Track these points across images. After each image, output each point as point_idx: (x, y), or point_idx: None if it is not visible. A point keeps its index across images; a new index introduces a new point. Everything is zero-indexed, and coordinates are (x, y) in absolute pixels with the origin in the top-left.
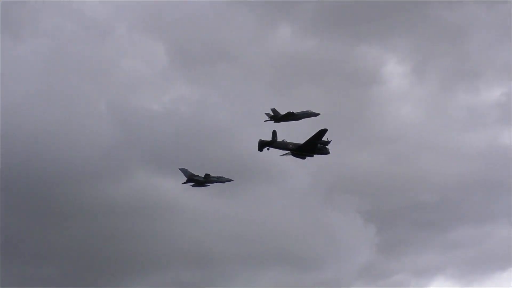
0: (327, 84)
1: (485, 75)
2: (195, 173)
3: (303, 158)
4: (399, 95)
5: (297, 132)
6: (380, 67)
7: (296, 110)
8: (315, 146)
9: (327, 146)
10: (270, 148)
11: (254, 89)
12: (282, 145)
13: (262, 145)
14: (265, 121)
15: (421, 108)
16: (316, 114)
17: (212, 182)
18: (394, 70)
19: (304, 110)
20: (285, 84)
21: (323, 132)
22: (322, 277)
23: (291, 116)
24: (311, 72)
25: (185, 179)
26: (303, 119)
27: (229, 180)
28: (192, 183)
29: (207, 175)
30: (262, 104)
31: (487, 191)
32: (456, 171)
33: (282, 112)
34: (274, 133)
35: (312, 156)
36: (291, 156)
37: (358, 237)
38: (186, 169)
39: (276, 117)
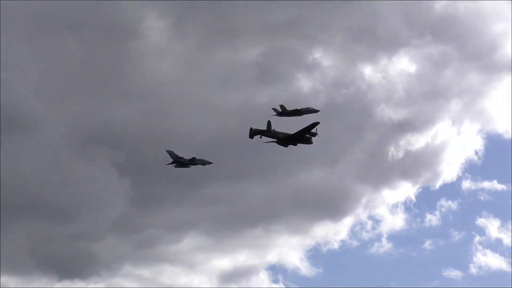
0: (85, 37)
1: (243, 34)
2: (180, 155)
3: (286, 146)
4: (157, 50)
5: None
6: (140, 22)
7: (298, 107)
8: (304, 136)
9: (313, 137)
10: (258, 136)
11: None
12: (273, 134)
13: (255, 133)
14: (272, 115)
15: (179, 64)
16: (316, 111)
17: (195, 164)
18: (154, 25)
19: (307, 107)
20: (43, 36)
21: (315, 124)
22: (76, 229)
23: (296, 112)
24: (68, 24)
25: (170, 160)
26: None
27: (210, 163)
28: (175, 164)
29: (193, 158)
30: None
31: (241, 149)
32: (212, 128)
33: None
34: (269, 123)
35: (295, 145)
36: (274, 144)
37: (112, 190)
38: (172, 151)
39: (283, 112)
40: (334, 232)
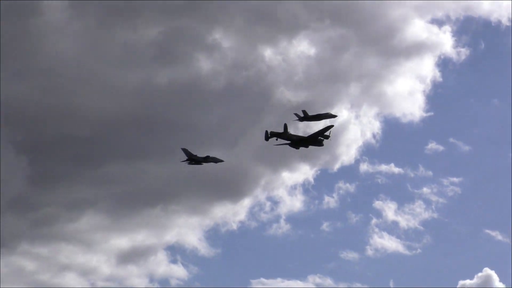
0: None
1: (143, 13)
2: (194, 153)
3: (298, 148)
4: (57, 28)
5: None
6: None
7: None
8: (317, 138)
9: (324, 140)
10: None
11: None
12: (288, 137)
13: (271, 135)
14: (294, 120)
15: (79, 43)
16: (334, 116)
17: (208, 162)
18: (53, 3)
19: (326, 112)
20: None
21: (330, 127)
22: None
23: (317, 117)
24: None
25: (185, 157)
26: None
27: (221, 161)
28: (189, 162)
29: (207, 157)
30: None
31: (141, 129)
32: (110, 107)
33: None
34: (286, 127)
35: (307, 147)
36: (287, 146)
37: (9, 168)
38: (187, 149)
39: (305, 117)
40: (233, 213)
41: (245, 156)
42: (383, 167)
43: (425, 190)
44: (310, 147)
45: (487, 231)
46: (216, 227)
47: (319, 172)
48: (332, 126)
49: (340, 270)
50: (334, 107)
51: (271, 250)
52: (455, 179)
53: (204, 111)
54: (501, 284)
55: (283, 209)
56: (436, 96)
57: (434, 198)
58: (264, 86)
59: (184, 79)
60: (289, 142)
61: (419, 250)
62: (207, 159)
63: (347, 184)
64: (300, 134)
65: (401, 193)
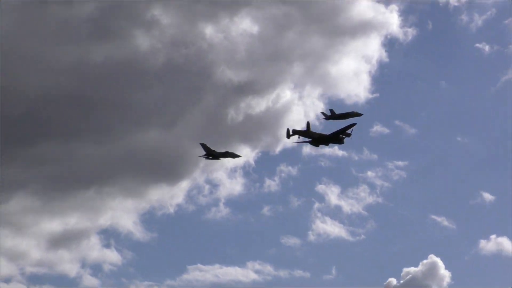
0: None
1: None
2: (212, 148)
3: (317, 146)
4: None
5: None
6: None
7: (346, 111)
8: (338, 136)
9: (344, 136)
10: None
11: None
12: (310, 135)
13: (293, 133)
14: (321, 119)
15: (12, 18)
16: (360, 114)
17: (226, 157)
18: None
19: (352, 111)
20: None
21: (352, 125)
22: None
23: (344, 116)
24: None
25: (203, 152)
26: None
27: (239, 156)
28: (207, 156)
29: (226, 152)
30: None
31: (75, 108)
32: (44, 85)
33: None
34: (308, 124)
35: (327, 145)
36: (307, 144)
37: None
38: (205, 144)
39: (332, 116)
40: (170, 196)
41: (184, 137)
42: (327, 150)
43: (370, 174)
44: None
45: (433, 216)
46: (152, 211)
47: (260, 154)
48: (355, 124)
49: (281, 256)
50: (276, 87)
51: (209, 235)
52: (400, 163)
53: (142, 89)
54: (446, 272)
55: (222, 193)
56: (382, 77)
57: (378, 182)
58: (204, 64)
59: (121, 56)
60: (310, 140)
61: (362, 236)
62: (226, 155)
63: (289, 167)
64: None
65: (345, 177)
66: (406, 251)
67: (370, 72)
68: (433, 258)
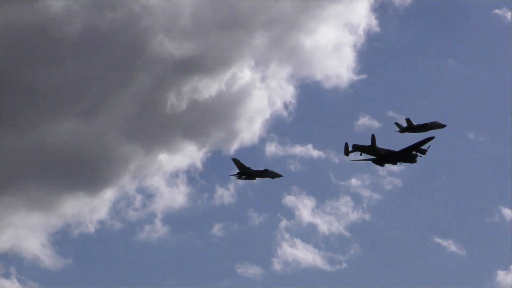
0: None
1: None
2: (247, 165)
3: (383, 165)
4: None
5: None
6: None
7: (427, 121)
8: (411, 153)
9: (419, 154)
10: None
11: None
12: (376, 151)
13: (355, 148)
14: (395, 131)
15: None
16: (443, 126)
17: (264, 177)
18: None
19: (434, 121)
20: None
21: (430, 139)
22: None
23: (424, 128)
24: None
25: (236, 170)
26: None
27: (280, 176)
28: (239, 175)
29: (265, 170)
30: None
31: None
32: None
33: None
34: (374, 138)
35: (395, 164)
36: (369, 162)
37: None
38: (238, 160)
39: (409, 127)
40: (89, 210)
41: (108, 129)
42: (298, 149)
43: (354, 181)
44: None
45: (437, 239)
46: (66, 229)
47: (210, 154)
48: (433, 137)
49: None
50: (232, 65)
51: (142, 260)
52: (394, 168)
53: (53, 66)
54: None
55: (159, 205)
56: (372, 53)
57: (365, 193)
58: (136, 33)
59: (26, 22)
60: (373, 157)
61: (344, 265)
62: (264, 174)
63: None
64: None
65: (322, 186)
66: (401, 284)
67: (355, 45)
68: None
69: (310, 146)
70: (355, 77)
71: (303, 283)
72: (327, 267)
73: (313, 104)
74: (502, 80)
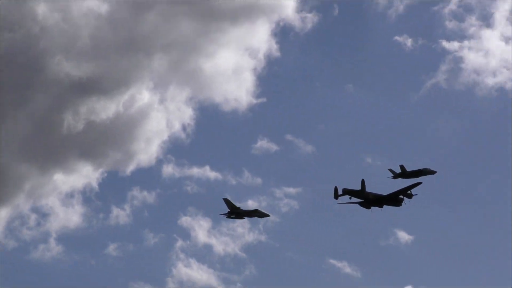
0: None
1: None
2: (237, 205)
3: (369, 208)
4: None
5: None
6: None
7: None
8: (397, 197)
9: (405, 198)
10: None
11: None
12: (365, 195)
13: (345, 192)
14: (389, 177)
15: None
16: (434, 172)
17: (252, 216)
18: None
19: (425, 167)
20: None
21: (417, 184)
22: None
23: (417, 174)
24: None
25: (226, 209)
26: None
27: (267, 215)
28: (230, 214)
29: (255, 210)
30: None
31: None
32: None
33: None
34: (363, 183)
35: (381, 207)
36: (355, 205)
37: None
38: (229, 200)
39: (403, 173)
40: None
41: (4, 149)
42: (195, 171)
43: (251, 203)
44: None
45: (332, 261)
46: None
47: (106, 175)
48: (420, 183)
49: None
50: (130, 86)
51: (36, 279)
52: (291, 190)
53: None
54: None
55: (54, 225)
56: (271, 77)
57: None
58: (34, 53)
59: None
60: (361, 201)
61: (238, 285)
62: (253, 213)
63: (145, 193)
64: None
65: (218, 207)
66: None
67: (255, 69)
68: None
69: (207, 167)
70: (254, 101)
71: None
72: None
73: (211, 127)
74: (401, 104)
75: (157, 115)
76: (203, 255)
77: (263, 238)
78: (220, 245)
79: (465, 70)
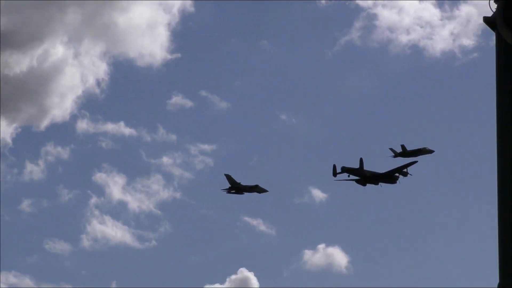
0: None
1: None
2: (237, 181)
3: (365, 185)
4: None
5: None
6: None
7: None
8: (393, 175)
9: (400, 176)
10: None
11: None
12: (362, 173)
13: (343, 170)
14: (389, 156)
15: None
16: (432, 151)
17: (252, 191)
18: None
19: (424, 147)
20: None
21: (412, 163)
22: None
23: (416, 153)
24: None
25: (227, 185)
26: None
27: (266, 191)
28: (230, 189)
29: (256, 186)
30: None
31: None
32: None
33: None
34: (362, 161)
35: (376, 184)
36: (351, 182)
37: None
38: (230, 175)
39: (403, 153)
40: None
41: None
42: (110, 127)
43: (166, 160)
44: (380, 183)
45: (246, 218)
46: None
47: (20, 130)
48: (416, 161)
49: (45, 266)
50: (44, 40)
51: None
52: (206, 147)
53: None
54: None
55: None
56: (186, 33)
57: (177, 171)
58: None
59: None
60: (358, 178)
61: (154, 242)
62: (254, 189)
63: (59, 148)
64: None
65: (133, 163)
66: (210, 262)
67: (169, 24)
68: (244, 273)
69: (122, 123)
70: (168, 56)
71: (112, 260)
72: (136, 244)
73: (126, 82)
74: (316, 61)
75: (71, 69)
76: (118, 212)
77: (178, 195)
78: (135, 202)
79: (379, 27)
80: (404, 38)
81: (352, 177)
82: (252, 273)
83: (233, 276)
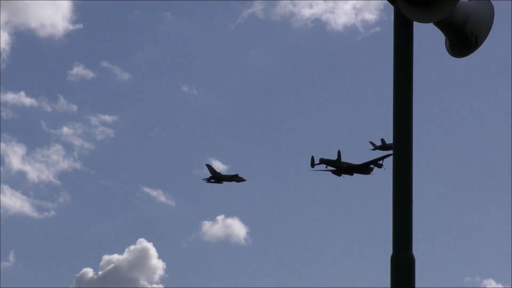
0: None
1: None
2: (218, 171)
3: (340, 175)
4: None
5: None
6: None
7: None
8: (368, 167)
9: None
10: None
11: None
12: (339, 165)
13: (321, 162)
14: (369, 149)
15: None
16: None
17: (231, 181)
18: None
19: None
20: None
21: (387, 156)
22: None
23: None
24: None
25: (208, 174)
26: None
27: (243, 180)
28: (209, 179)
29: (235, 175)
30: None
31: None
32: None
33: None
34: (339, 153)
35: (351, 175)
36: (328, 173)
37: None
38: (211, 165)
39: (382, 147)
40: None
41: None
42: (10, 97)
43: (66, 130)
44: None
45: (146, 189)
46: None
47: None
48: (390, 154)
49: None
50: None
51: None
52: (107, 118)
53: None
54: (159, 262)
55: None
56: (88, 3)
57: (77, 142)
58: None
59: None
60: (332, 169)
61: (52, 212)
62: (233, 178)
63: None
64: None
65: (33, 134)
66: (109, 233)
67: None
68: (143, 243)
69: (22, 93)
70: (70, 27)
71: (11, 229)
72: (35, 214)
73: (27, 52)
74: (218, 35)
75: None
76: (17, 181)
77: (78, 165)
78: (34, 172)
79: (281, 1)
80: (306, 12)
81: (329, 168)
82: (151, 243)
83: (132, 247)
